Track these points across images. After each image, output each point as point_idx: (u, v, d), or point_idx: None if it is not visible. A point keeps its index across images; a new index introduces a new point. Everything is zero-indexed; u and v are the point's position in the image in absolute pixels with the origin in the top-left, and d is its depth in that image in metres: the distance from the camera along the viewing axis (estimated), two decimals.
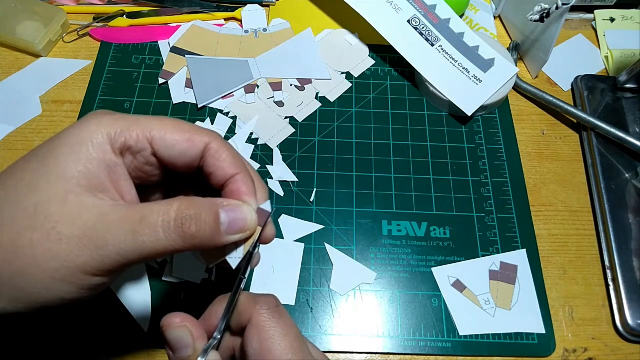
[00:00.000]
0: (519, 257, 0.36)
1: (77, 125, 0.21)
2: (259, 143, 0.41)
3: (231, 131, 0.41)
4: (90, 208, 0.20)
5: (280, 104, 0.43)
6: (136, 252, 0.20)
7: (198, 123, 0.41)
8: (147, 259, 0.20)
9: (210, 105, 0.42)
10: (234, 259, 0.23)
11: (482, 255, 0.36)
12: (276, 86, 0.43)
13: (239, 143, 0.40)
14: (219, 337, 0.22)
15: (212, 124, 0.41)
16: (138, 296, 0.34)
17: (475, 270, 0.36)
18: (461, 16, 0.48)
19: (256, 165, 0.39)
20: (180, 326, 0.21)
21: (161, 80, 0.43)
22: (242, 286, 0.23)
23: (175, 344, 0.21)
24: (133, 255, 0.20)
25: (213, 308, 0.23)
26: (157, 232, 0.20)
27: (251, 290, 0.34)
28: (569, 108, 0.42)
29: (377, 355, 0.33)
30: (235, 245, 0.23)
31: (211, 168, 0.23)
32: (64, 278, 0.19)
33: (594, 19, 0.49)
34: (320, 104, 0.43)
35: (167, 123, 0.22)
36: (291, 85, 0.44)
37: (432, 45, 0.43)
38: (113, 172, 0.21)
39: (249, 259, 0.23)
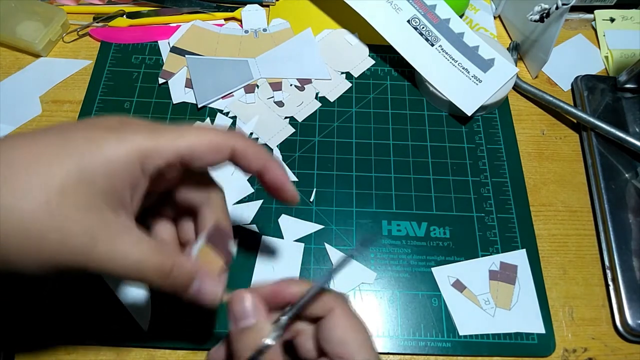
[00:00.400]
0: (519, 257, 0.36)
1: (115, 138, 0.21)
2: (258, 143, 0.40)
3: None
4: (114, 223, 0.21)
5: (280, 103, 0.43)
6: (117, 272, 0.22)
7: (197, 123, 0.41)
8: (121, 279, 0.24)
9: (210, 105, 0.42)
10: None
11: (482, 255, 0.36)
12: (276, 86, 0.43)
13: None
14: (286, 320, 0.24)
15: (212, 124, 0.41)
16: (137, 296, 0.34)
17: (475, 270, 0.35)
18: (461, 16, 0.48)
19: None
20: (247, 301, 0.24)
21: (161, 80, 0.43)
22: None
23: (239, 315, 0.23)
24: (114, 271, 0.21)
25: (280, 287, 0.25)
26: (142, 266, 0.22)
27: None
28: (569, 108, 0.42)
29: None
30: None
31: (243, 164, 0.25)
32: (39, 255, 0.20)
33: (594, 19, 0.49)
34: (320, 104, 0.43)
35: (191, 136, 0.23)
36: (291, 85, 0.44)
37: (432, 45, 0.43)
38: (135, 192, 0.22)
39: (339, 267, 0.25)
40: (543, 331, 0.33)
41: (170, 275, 0.23)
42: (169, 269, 0.23)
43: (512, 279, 0.35)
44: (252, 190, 0.38)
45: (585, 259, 0.37)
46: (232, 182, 0.38)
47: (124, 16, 0.47)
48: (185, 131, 0.23)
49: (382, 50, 0.46)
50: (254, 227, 0.37)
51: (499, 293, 0.35)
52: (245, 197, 0.38)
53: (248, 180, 0.39)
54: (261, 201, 0.38)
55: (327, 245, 0.36)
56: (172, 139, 0.22)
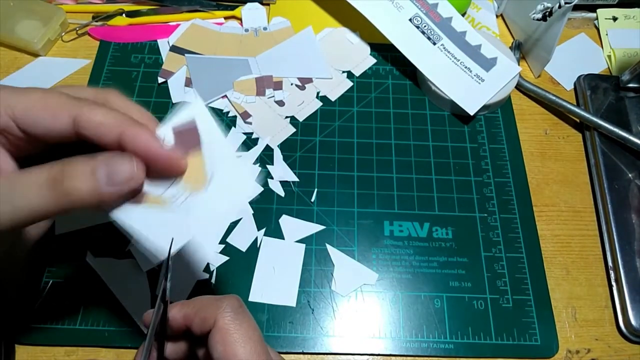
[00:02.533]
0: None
1: None
2: (259, 143, 0.40)
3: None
4: None
5: (280, 103, 0.42)
6: (11, 218, 0.20)
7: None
8: (26, 223, 0.20)
9: (210, 105, 0.42)
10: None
11: (485, 256, 0.36)
12: (277, 85, 0.43)
13: (236, 143, 0.40)
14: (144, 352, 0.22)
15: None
16: (137, 296, 0.33)
17: None
18: (463, 15, 0.48)
19: (257, 167, 0.39)
20: None
21: (160, 80, 0.43)
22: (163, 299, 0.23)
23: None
24: (7, 222, 0.20)
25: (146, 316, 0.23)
26: (30, 193, 0.20)
27: (251, 292, 0.34)
28: (572, 107, 0.41)
29: (379, 356, 0.33)
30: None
31: (91, 136, 0.21)
32: None
33: (597, 18, 0.49)
34: (321, 103, 0.43)
35: (33, 98, 0.21)
36: (292, 84, 0.43)
37: (434, 44, 0.42)
38: None
39: (167, 269, 0.23)
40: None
41: (64, 182, 0.20)
42: (59, 177, 0.20)
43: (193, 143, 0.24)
44: (262, 189, 0.38)
45: (588, 259, 0.37)
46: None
47: (123, 15, 0.46)
48: (28, 92, 0.21)
49: (383, 49, 0.46)
50: (254, 228, 0.36)
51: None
52: (252, 200, 0.37)
53: (256, 180, 0.38)
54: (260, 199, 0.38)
55: (328, 246, 0.36)
56: (7, 98, 0.21)
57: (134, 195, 0.22)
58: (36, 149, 0.23)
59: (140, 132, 0.21)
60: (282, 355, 0.32)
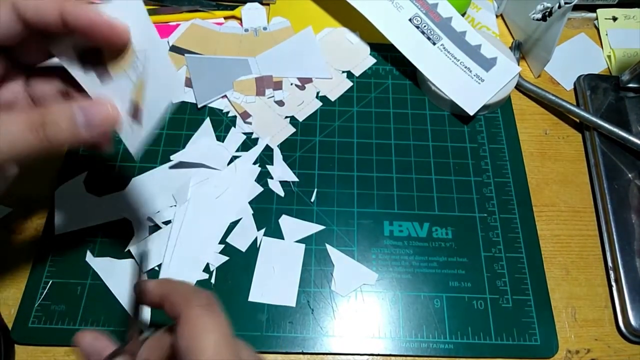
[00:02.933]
0: None
1: None
2: (259, 143, 0.40)
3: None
4: None
5: (280, 103, 0.42)
6: None
7: (199, 132, 0.41)
8: (7, 162, 0.21)
9: (210, 105, 0.42)
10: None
11: (485, 256, 0.36)
12: (276, 85, 0.43)
13: (236, 143, 0.40)
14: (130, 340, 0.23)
15: (212, 123, 0.41)
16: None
17: None
18: (463, 15, 0.48)
19: (257, 168, 0.39)
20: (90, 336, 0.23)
21: None
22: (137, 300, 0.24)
23: (88, 351, 0.23)
24: None
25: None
26: (12, 136, 0.21)
27: (251, 292, 0.34)
28: (572, 107, 0.41)
29: (379, 356, 0.33)
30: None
31: (35, 22, 0.21)
32: None
33: (597, 18, 0.49)
34: (321, 103, 0.43)
35: None
36: (291, 84, 0.43)
37: (434, 44, 0.42)
38: None
39: (141, 263, 0.24)
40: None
41: (46, 128, 0.21)
42: (40, 121, 0.21)
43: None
44: (261, 189, 0.38)
45: (588, 259, 0.37)
46: (241, 183, 0.38)
47: None
48: None
49: (383, 49, 0.46)
50: (254, 228, 0.36)
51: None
52: (253, 198, 0.38)
53: (256, 180, 0.38)
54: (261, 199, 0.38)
55: (328, 246, 0.36)
56: None
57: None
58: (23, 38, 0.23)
59: (80, 5, 0.21)
60: (282, 355, 0.32)
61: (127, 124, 0.24)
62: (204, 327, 0.21)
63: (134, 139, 0.24)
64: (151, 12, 0.46)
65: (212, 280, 0.34)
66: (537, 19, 0.41)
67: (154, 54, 0.24)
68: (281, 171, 0.39)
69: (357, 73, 0.45)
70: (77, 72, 0.23)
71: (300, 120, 0.42)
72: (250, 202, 0.37)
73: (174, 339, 0.21)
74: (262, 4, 0.48)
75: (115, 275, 0.34)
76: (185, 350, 0.20)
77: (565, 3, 0.38)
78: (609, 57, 0.47)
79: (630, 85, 0.43)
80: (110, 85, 0.23)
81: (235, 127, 0.41)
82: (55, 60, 0.23)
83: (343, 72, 0.44)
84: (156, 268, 0.34)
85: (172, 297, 0.22)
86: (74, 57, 0.23)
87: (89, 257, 0.35)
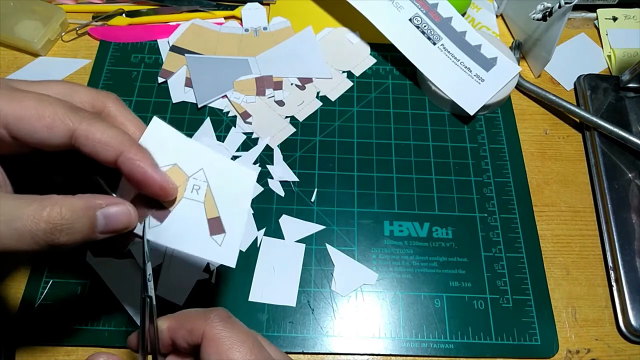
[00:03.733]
0: None
1: None
2: (259, 143, 0.40)
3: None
4: None
5: (280, 103, 0.42)
6: (9, 244, 0.19)
7: (199, 132, 0.41)
8: (8, 255, 0.20)
9: (210, 105, 0.42)
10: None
11: (485, 256, 0.36)
12: (277, 85, 0.43)
13: (236, 143, 0.40)
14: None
15: (212, 123, 0.41)
16: (137, 298, 0.33)
17: None
18: (463, 15, 0.48)
19: (257, 168, 0.39)
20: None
21: (160, 80, 0.43)
22: (150, 308, 0.23)
23: None
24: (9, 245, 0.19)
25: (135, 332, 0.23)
26: (22, 237, 0.19)
27: (251, 292, 0.34)
28: (572, 107, 0.41)
29: (379, 356, 0.33)
30: None
31: (89, 153, 0.21)
32: None
33: (597, 18, 0.49)
34: (321, 103, 0.43)
35: (27, 106, 0.20)
36: (292, 84, 0.43)
37: (434, 44, 0.42)
38: None
39: (144, 279, 0.23)
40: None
41: (62, 232, 0.19)
42: (55, 216, 0.19)
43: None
44: (262, 189, 0.38)
45: (588, 259, 0.37)
46: None
47: (123, 15, 0.46)
48: (22, 99, 0.20)
49: (383, 49, 0.46)
50: (254, 228, 0.36)
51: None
52: (254, 198, 0.37)
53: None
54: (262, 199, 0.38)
55: (328, 246, 0.36)
56: (2, 102, 0.20)
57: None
58: (20, 152, 0.22)
59: (138, 156, 0.21)
60: None
61: (214, 243, 0.24)
62: (231, 341, 0.21)
63: (228, 251, 0.24)
64: (151, 12, 0.46)
65: (213, 280, 0.34)
66: (537, 19, 0.41)
67: (213, 166, 0.24)
68: (281, 171, 0.39)
69: (357, 73, 0.45)
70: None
71: (301, 120, 0.42)
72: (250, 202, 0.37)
73: (204, 357, 0.21)
74: (262, 3, 0.48)
75: (115, 275, 0.34)
76: None
77: (566, 3, 0.38)
78: (609, 57, 0.47)
79: (631, 85, 0.43)
80: (175, 217, 0.23)
81: (235, 127, 0.41)
82: None
83: (343, 72, 0.44)
84: (156, 268, 0.34)
85: (187, 325, 0.22)
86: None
87: (89, 257, 0.35)
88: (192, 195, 0.24)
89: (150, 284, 0.23)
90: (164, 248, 0.26)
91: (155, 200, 0.23)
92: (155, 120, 0.23)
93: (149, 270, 0.23)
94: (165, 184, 0.22)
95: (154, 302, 0.23)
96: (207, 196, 0.24)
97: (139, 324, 0.32)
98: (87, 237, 0.21)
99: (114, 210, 0.21)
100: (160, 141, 0.23)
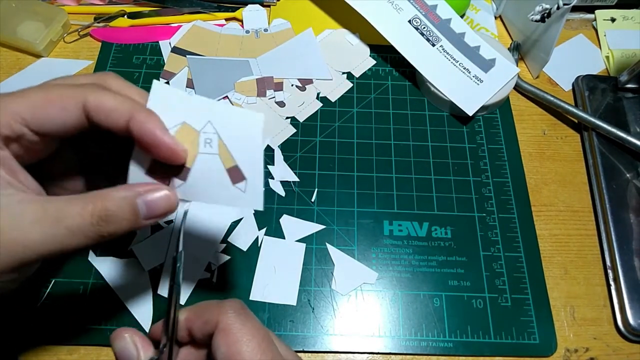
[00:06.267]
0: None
1: None
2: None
3: None
4: (2, 207, 0.19)
5: (281, 104, 0.43)
6: (51, 251, 0.20)
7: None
8: (63, 254, 0.21)
9: None
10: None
11: (484, 256, 0.36)
12: (277, 86, 0.43)
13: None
14: (164, 349, 0.22)
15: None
16: (140, 296, 0.34)
17: None
18: (462, 16, 0.48)
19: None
20: (126, 337, 0.21)
21: (162, 81, 0.43)
22: (175, 296, 0.23)
23: (121, 355, 0.21)
24: (47, 253, 0.20)
25: (159, 322, 0.23)
26: (74, 234, 0.20)
27: (252, 291, 0.34)
28: (570, 108, 0.42)
29: (379, 355, 0.33)
30: None
31: (102, 122, 0.21)
32: None
33: (595, 19, 0.49)
34: (321, 104, 0.43)
35: (34, 97, 0.21)
36: (292, 85, 0.44)
37: (433, 45, 0.43)
38: (7, 165, 0.21)
39: (174, 268, 0.23)
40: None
41: (108, 222, 0.21)
42: (102, 214, 0.20)
43: None
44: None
45: (586, 258, 0.37)
46: None
47: (125, 16, 0.46)
48: (26, 93, 0.21)
49: (383, 50, 0.46)
50: (255, 227, 0.37)
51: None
52: None
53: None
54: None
55: (328, 246, 0.36)
56: (10, 105, 0.20)
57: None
58: (48, 151, 0.23)
59: (147, 119, 0.21)
60: None
61: (237, 191, 0.24)
62: (241, 333, 0.21)
63: (253, 196, 0.24)
64: (153, 14, 0.47)
65: (214, 280, 0.35)
66: (536, 20, 0.41)
67: (219, 117, 0.24)
68: (282, 171, 0.39)
69: (357, 74, 0.45)
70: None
71: (301, 120, 0.42)
72: None
73: (214, 347, 0.21)
74: (263, 5, 0.48)
75: (118, 274, 0.34)
76: (225, 358, 0.20)
77: (564, 4, 0.38)
78: (607, 57, 0.47)
79: (629, 85, 0.43)
80: (196, 174, 0.24)
81: None
82: None
83: (343, 73, 0.45)
84: (157, 267, 0.35)
85: (203, 316, 0.22)
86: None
87: (92, 257, 0.35)
88: (206, 149, 0.24)
89: (180, 274, 0.23)
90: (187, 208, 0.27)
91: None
92: (156, 84, 0.23)
93: (181, 260, 0.23)
94: (174, 146, 0.22)
95: (180, 290, 0.23)
96: (220, 147, 0.24)
97: (140, 322, 0.33)
98: (133, 224, 0.21)
99: (154, 196, 0.22)
100: (165, 103, 0.23)
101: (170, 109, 0.23)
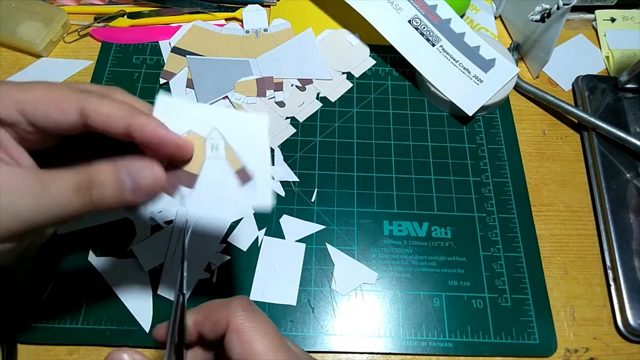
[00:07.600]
0: None
1: None
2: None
3: None
4: None
5: (281, 104, 0.43)
6: (39, 219, 0.20)
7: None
8: (51, 224, 0.21)
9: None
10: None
11: (484, 256, 0.36)
12: (277, 86, 0.43)
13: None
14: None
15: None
16: (140, 296, 0.34)
17: None
18: (462, 16, 0.48)
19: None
20: (125, 358, 0.21)
21: (162, 81, 0.43)
22: (180, 303, 0.23)
23: None
24: (36, 222, 0.20)
25: (162, 324, 0.23)
26: (60, 203, 0.20)
27: (252, 291, 0.34)
28: (570, 108, 0.42)
29: (379, 355, 0.33)
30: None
31: (100, 128, 0.22)
32: None
33: (595, 19, 0.49)
34: (321, 104, 0.43)
35: (39, 92, 0.22)
36: (292, 85, 0.44)
37: (433, 45, 0.43)
38: None
39: (182, 277, 0.23)
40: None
41: (92, 190, 0.21)
42: (86, 183, 0.21)
43: None
44: None
45: (586, 259, 0.37)
46: None
47: (125, 16, 0.46)
48: (33, 86, 0.22)
49: (383, 50, 0.46)
50: (255, 227, 0.37)
51: None
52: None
53: None
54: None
55: (328, 246, 0.36)
56: (14, 93, 0.21)
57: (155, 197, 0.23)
58: (45, 143, 0.23)
59: (147, 121, 0.22)
60: None
61: (246, 193, 0.24)
62: (253, 331, 0.21)
63: (262, 195, 0.24)
64: (153, 14, 0.47)
65: (214, 280, 0.35)
66: (536, 20, 0.41)
67: (224, 122, 0.25)
68: (282, 171, 0.39)
69: (357, 74, 0.45)
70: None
71: (301, 120, 0.42)
72: None
73: (228, 348, 0.21)
74: (262, 5, 0.48)
75: (117, 274, 0.34)
76: (241, 357, 0.21)
77: (564, 4, 0.38)
78: (607, 57, 0.47)
79: (628, 85, 0.43)
80: (204, 180, 0.24)
81: None
82: None
83: (343, 73, 0.45)
84: (157, 267, 0.35)
85: (212, 317, 0.22)
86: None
87: (92, 257, 0.35)
88: (213, 155, 0.24)
89: (184, 282, 0.23)
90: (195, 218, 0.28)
91: (180, 169, 0.23)
92: (161, 97, 0.24)
93: (186, 269, 0.24)
94: (180, 141, 0.22)
95: (186, 299, 0.23)
96: (227, 151, 0.24)
97: (140, 322, 0.33)
98: (118, 197, 0.21)
99: (139, 168, 0.22)
100: (170, 114, 0.24)
101: (175, 118, 0.24)
